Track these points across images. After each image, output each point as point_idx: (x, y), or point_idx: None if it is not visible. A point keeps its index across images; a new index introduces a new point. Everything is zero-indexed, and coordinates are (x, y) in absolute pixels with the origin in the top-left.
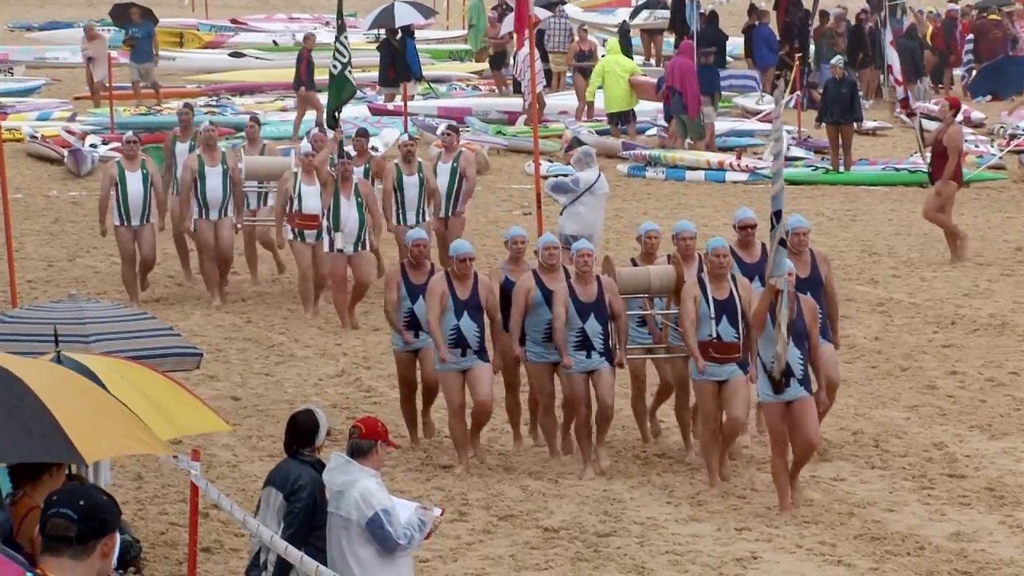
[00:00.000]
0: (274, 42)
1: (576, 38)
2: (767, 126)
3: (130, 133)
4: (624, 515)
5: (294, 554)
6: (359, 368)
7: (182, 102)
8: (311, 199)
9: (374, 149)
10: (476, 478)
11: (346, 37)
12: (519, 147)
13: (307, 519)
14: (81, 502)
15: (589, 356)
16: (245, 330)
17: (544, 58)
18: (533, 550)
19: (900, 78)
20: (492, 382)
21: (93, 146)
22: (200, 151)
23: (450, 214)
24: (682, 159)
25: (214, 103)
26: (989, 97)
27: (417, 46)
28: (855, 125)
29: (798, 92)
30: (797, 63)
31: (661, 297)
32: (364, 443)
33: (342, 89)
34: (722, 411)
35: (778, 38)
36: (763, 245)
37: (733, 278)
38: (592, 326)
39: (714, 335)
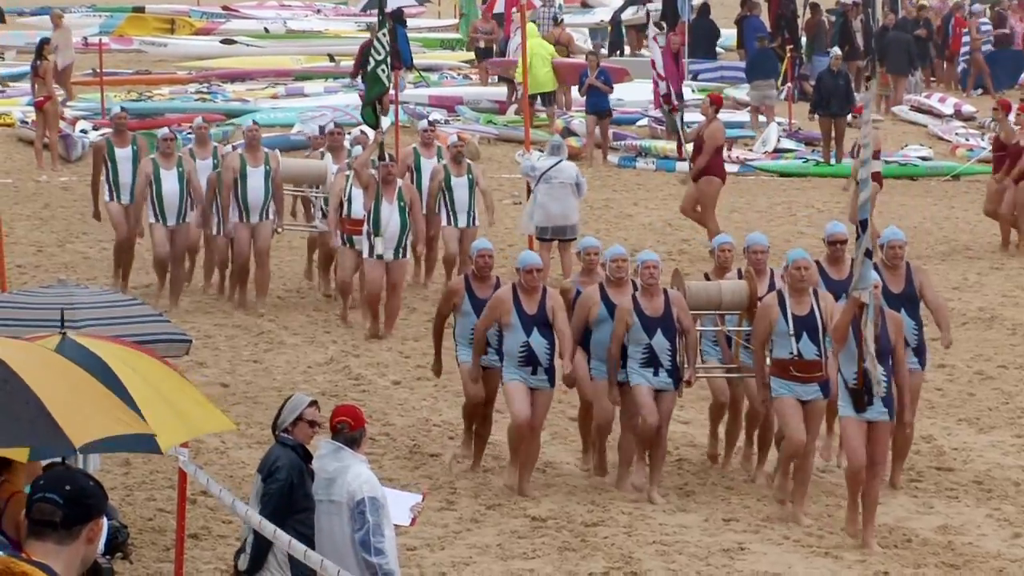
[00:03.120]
0: (265, 29)
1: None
2: (759, 117)
3: (166, 130)
4: (611, 505)
5: (283, 537)
6: (348, 356)
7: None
8: (360, 203)
9: (337, 124)
10: (464, 467)
11: (384, 34)
12: (510, 136)
13: (282, 500)
14: (67, 487)
15: (656, 374)
16: (234, 317)
17: None
18: (520, 539)
19: (662, 73)
20: (546, 412)
21: (83, 131)
22: (243, 151)
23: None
24: (672, 150)
25: (205, 90)
26: (980, 91)
27: (408, 35)
28: (849, 117)
29: (789, 84)
30: (789, 55)
31: (733, 313)
32: (356, 434)
33: (373, 86)
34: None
35: (769, 30)
36: (852, 261)
37: (815, 292)
38: (659, 342)
39: (795, 353)
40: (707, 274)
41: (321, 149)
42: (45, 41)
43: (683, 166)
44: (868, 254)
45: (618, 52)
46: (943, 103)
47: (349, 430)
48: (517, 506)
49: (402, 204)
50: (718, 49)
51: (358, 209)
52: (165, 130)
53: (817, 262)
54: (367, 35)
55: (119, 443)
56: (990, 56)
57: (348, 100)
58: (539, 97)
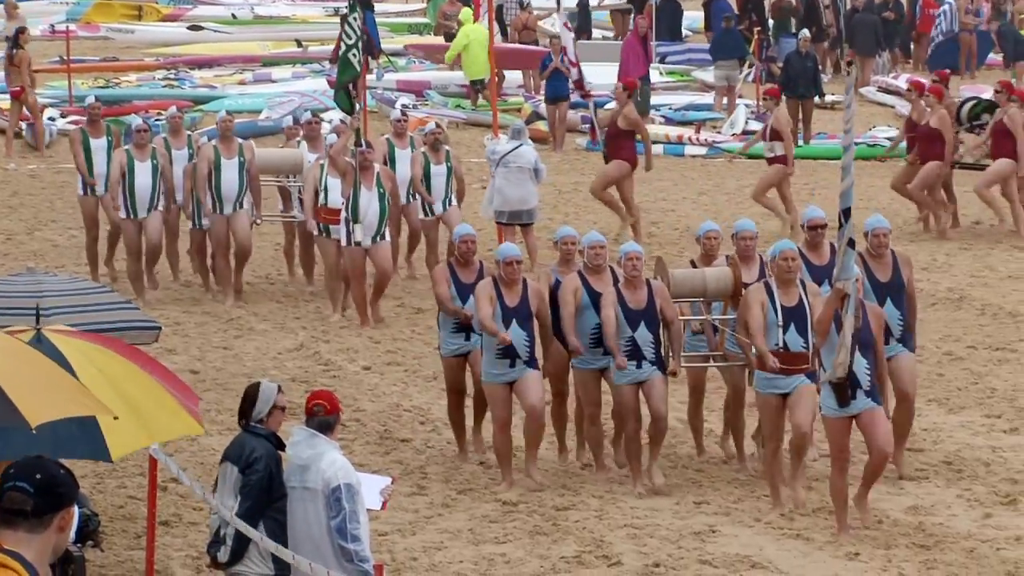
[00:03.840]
0: (232, 15)
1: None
2: (723, 99)
3: (139, 121)
4: (583, 489)
5: (253, 533)
6: (318, 342)
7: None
8: (336, 192)
9: (314, 113)
10: (435, 452)
11: (355, 18)
12: (478, 121)
13: (263, 492)
14: (37, 475)
15: (640, 366)
16: (204, 303)
17: (503, 32)
18: (492, 523)
19: (574, 59)
20: (542, 389)
21: (51, 119)
22: (216, 142)
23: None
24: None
25: (172, 76)
26: (947, 71)
27: (376, 19)
28: (816, 99)
29: (757, 66)
30: (756, 37)
31: (718, 301)
32: (331, 419)
33: (344, 71)
34: (785, 425)
35: (736, 12)
36: (832, 246)
37: (802, 283)
38: (642, 335)
39: (780, 344)
40: (693, 261)
41: (298, 138)
42: (21, 30)
43: (655, 149)
44: (851, 243)
45: (585, 36)
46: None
47: (324, 413)
48: (488, 491)
49: (381, 190)
50: (685, 32)
51: (334, 199)
52: (139, 120)
53: (797, 248)
54: (335, 20)
55: (69, 450)
56: (958, 36)
57: (316, 85)
58: (478, 84)
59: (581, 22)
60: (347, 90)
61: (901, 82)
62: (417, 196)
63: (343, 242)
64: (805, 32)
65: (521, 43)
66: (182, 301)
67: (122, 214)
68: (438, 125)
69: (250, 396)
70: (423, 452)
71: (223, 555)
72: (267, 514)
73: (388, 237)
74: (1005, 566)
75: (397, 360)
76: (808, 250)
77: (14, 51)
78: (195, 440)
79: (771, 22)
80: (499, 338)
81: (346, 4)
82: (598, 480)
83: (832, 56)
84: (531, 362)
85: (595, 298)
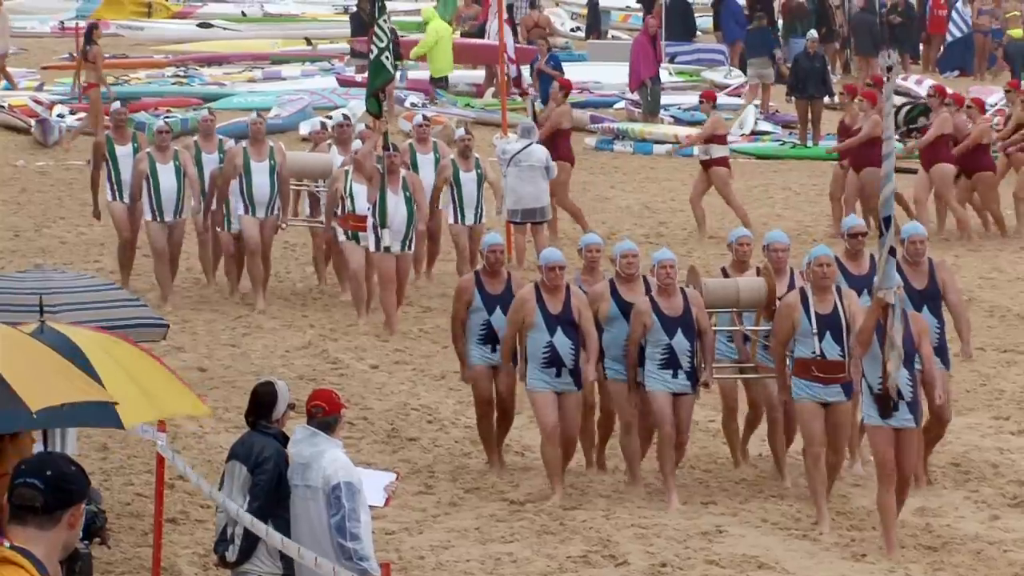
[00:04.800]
0: (242, 13)
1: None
2: (735, 100)
3: (161, 123)
4: (590, 488)
5: (260, 527)
6: (326, 340)
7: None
8: (364, 198)
9: (345, 117)
10: (443, 451)
11: (386, 20)
12: (487, 120)
13: (273, 491)
14: (48, 472)
15: (675, 376)
16: (212, 301)
17: (514, 31)
18: (499, 523)
19: (513, 57)
20: (578, 416)
21: (60, 116)
22: (246, 145)
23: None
24: (650, 133)
25: (182, 74)
26: (957, 72)
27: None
28: (826, 99)
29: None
30: None
31: (751, 311)
32: (331, 419)
33: (377, 75)
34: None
35: (746, 12)
36: (872, 256)
37: (838, 290)
38: (680, 343)
39: (817, 352)
40: (724, 269)
41: (328, 141)
42: (94, 26)
43: (663, 149)
44: (892, 252)
45: (595, 35)
46: (920, 84)
47: (323, 414)
48: (495, 490)
49: (407, 194)
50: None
51: (361, 205)
52: (161, 123)
53: (836, 257)
54: (345, 18)
55: (80, 414)
56: (968, 38)
57: (325, 83)
58: (443, 80)
59: (592, 21)
60: (377, 94)
61: (911, 83)
62: (450, 202)
63: (371, 248)
64: (812, 33)
65: (530, 42)
66: (190, 298)
67: (147, 216)
68: (467, 131)
69: (267, 398)
70: (430, 451)
71: (231, 554)
72: (275, 512)
73: (414, 247)
74: (1012, 568)
75: (405, 359)
76: (847, 259)
77: (88, 47)
78: (202, 438)
79: (780, 23)
80: (505, 364)
81: (355, 3)
82: (629, 492)
83: (841, 57)
84: (575, 372)
85: (626, 309)
